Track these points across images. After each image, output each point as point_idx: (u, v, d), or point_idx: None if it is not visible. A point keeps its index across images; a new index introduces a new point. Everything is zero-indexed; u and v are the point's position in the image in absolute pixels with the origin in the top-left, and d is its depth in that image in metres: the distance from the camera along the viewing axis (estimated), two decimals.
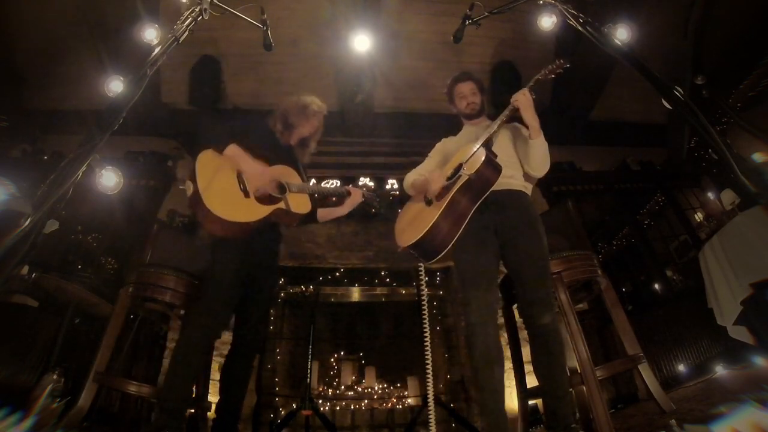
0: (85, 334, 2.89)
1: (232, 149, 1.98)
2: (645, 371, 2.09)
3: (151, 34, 1.91)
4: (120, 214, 3.76)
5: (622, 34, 1.56)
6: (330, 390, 4.04)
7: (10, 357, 2.47)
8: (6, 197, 2.49)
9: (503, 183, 1.85)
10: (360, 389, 4.03)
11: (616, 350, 3.05)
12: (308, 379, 2.99)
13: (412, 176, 2.12)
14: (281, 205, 2.01)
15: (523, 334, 2.60)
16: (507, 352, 3.20)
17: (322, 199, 2.37)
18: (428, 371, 1.75)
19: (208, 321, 1.90)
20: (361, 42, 2.69)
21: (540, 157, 1.93)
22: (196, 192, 1.85)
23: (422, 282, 1.96)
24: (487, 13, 2.16)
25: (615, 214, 4.76)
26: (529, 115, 1.86)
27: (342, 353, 4.35)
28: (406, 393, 3.98)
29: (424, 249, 1.79)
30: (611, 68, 4.58)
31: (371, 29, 2.80)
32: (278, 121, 2.21)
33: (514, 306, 2.31)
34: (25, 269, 2.74)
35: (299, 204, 2.09)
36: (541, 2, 1.86)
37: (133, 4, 3.78)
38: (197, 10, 1.68)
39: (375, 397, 3.99)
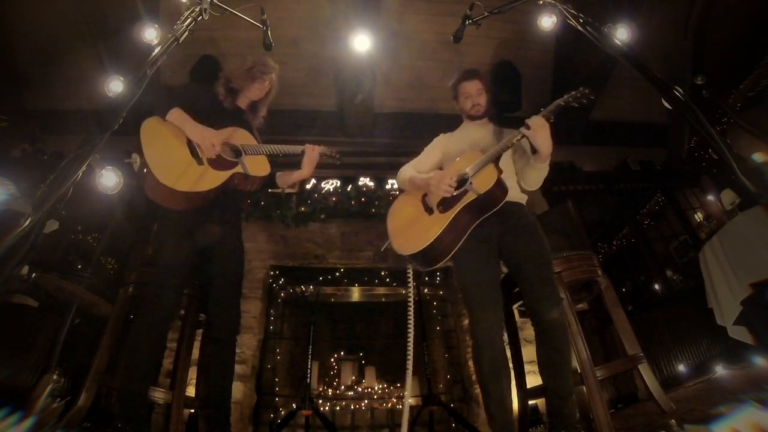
0: (85, 334, 2.89)
1: (175, 113, 1.86)
2: (645, 371, 2.09)
3: (151, 34, 1.92)
4: (120, 214, 3.76)
5: (622, 34, 1.55)
6: (330, 390, 4.04)
7: (10, 357, 2.47)
8: (6, 197, 2.50)
9: None
10: (360, 389, 4.03)
11: (616, 350, 3.05)
12: (308, 379, 2.99)
13: (409, 171, 2.05)
14: (239, 169, 1.90)
15: (523, 334, 2.61)
16: (507, 353, 3.22)
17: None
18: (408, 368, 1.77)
19: (149, 305, 1.81)
20: (361, 42, 2.69)
21: (539, 179, 1.97)
22: (144, 165, 1.74)
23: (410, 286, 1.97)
24: (487, 13, 2.16)
25: (615, 214, 4.76)
26: (542, 140, 1.80)
27: (342, 353, 4.34)
28: (406, 393, 3.98)
29: (423, 259, 1.82)
30: (611, 68, 4.58)
31: (371, 29, 2.81)
32: (221, 86, 2.11)
33: (515, 306, 2.31)
34: (25, 269, 2.74)
35: (258, 167, 1.96)
36: (541, 2, 1.85)
37: (133, 4, 3.79)
38: (197, 10, 1.67)
39: (375, 397, 3.99)
